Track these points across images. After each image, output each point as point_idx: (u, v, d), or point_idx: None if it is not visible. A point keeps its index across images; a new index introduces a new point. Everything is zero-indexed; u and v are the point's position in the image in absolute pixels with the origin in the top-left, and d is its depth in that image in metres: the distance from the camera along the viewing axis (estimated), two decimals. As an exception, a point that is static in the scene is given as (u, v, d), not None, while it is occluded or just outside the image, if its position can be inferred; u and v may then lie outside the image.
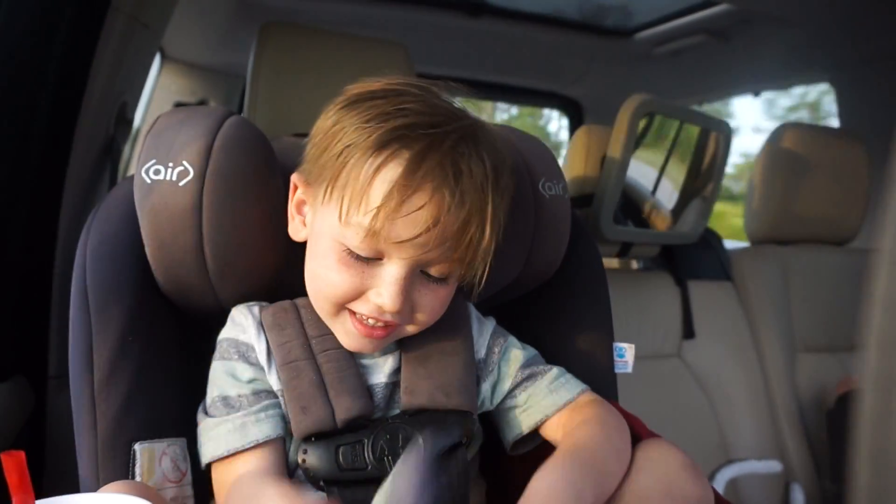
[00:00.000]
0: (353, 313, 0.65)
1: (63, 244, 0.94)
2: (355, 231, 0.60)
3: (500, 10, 2.06)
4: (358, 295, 0.63)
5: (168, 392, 0.70)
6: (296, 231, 0.70)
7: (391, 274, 0.62)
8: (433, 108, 0.63)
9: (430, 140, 0.60)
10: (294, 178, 0.69)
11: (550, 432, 0.72)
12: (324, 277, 0.64)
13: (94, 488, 0.65)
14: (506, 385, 0.73)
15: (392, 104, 0.61)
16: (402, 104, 0.61)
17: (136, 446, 0.65)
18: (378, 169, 0.59)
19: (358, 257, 0.62)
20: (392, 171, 0.59)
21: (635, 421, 0.76)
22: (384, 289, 0.62)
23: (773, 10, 1.74)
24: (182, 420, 0.69)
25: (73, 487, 0.66)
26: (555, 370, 0.74)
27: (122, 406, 0.66)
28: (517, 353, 0.75)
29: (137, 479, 0.64)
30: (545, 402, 0.72)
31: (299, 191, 0.69)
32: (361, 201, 0.60)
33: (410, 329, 0.67)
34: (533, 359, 0.76)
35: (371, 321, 0.64)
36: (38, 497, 0.48)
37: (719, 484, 1.50)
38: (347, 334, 0.66)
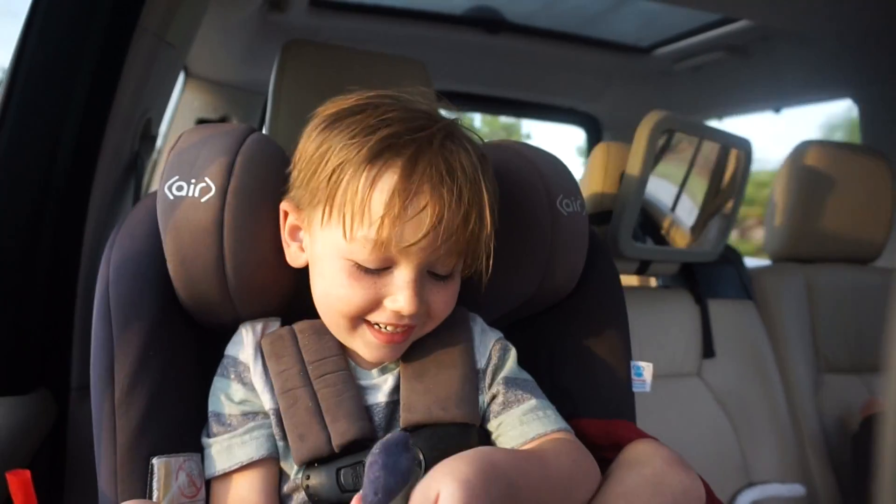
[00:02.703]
0: (371, 324, 0.66)
1: (87, 258, 0.96)
2: (362, 245, 0.61)
3: (519, 26, 2.07)
4: (374, 306, 0.64)
5: (186, 407, 0.70)
6: (294, 258, 0.70)
7: (403, 279, 0.63)
8: (413, 114, 0.64)
9: (419, 144, 0.61)
10: (284, 205, 0.69)
11: None
12: (337, 295, 0.65)
13: (114, 500, 0.65)
14: (488, 396, 0.71)
15: (373, 116, 0.63)
16: (382, 115, 0.63)
17: (154, 460, 0.66)
18: (374, 180, 0.60)
19: (367, 270, 0.63)
20: (389, 180, 0.60)
21: (624, 426, 0.74)
22: (399, 294, 0.63)
23: (795, 27, 1.73)
24: (199, 435, 0.69)
25: (93, 497, 0.67)
26: (533, 401, 0.70)
27: (141, 420, 0.67)
28: (509, 366, 0.73)
29: (154, 493, 0.65)
30: (513, 432, 0.69)
31: (291, 217, 0.69)
32: (364, 215, 0.61)
33: (426, 329, 0.69)
34: (519, 382, 0.72)
35: (389, 328, 0.65)
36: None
37: (741, 507, 1.47)
38: (368, 346, 0.67)
